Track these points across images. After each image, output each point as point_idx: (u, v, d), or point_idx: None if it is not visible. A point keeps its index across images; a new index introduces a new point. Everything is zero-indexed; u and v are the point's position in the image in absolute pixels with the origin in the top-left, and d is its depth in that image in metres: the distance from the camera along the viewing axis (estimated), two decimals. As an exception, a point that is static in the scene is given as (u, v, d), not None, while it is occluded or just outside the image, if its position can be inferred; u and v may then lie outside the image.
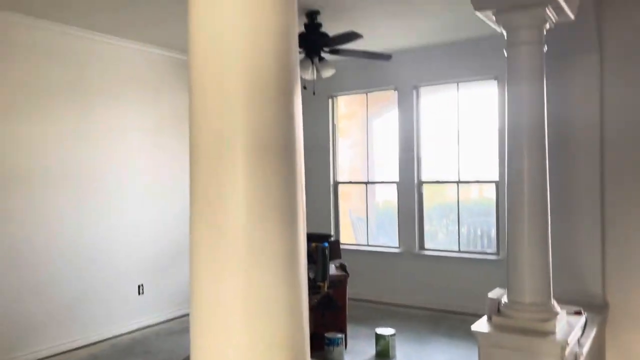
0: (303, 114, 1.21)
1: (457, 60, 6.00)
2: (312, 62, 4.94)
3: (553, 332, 2.53)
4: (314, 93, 5.33)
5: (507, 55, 2.96)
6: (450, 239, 6.62)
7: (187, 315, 6.09)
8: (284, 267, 1.05)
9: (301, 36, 4.72)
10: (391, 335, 4.73)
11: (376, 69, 6.35)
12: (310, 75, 4.97)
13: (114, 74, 5.50)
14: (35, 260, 4.80)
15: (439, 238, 6.99)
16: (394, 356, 4.74)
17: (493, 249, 6.12)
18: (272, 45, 1.08)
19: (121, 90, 5.58)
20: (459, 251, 6.28)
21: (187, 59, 1.17)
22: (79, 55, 5.16)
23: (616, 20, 3.69)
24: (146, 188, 5.86)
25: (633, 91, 3.65)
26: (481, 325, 2.72)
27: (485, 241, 6.54)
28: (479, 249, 6.51)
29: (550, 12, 2.86)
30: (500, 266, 5.31)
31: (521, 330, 2.58)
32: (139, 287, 5.75)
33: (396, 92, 6.52)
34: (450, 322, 5.71)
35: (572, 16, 3.04)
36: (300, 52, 4.64)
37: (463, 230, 6.51)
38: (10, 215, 4.63)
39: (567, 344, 2.48)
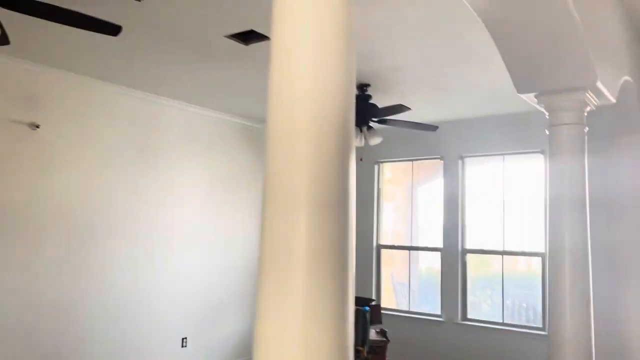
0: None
1: (503, 132, 6.15)
2: (361, 130, 5.21)
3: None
4: (361, 159, 5.57)
5: (549, 134, 3.10)
6: (494, 310, 6.51)
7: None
8: (334, 326, 1.21)
9: (352, 107, 5.02)
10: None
11: (422, 138, 6.57)
12: (358, 142, 5.23)
13: (174, 134, 5.94)
14: (86, 307, 5.08)
15: (483, 309, 6.88)
16: None
17: (539, 324, 5.98)
18: (334, 118, 1.31)
19: (179, 150, 6.01)
20: (503, 323, 6.17)
21: (265, 127, 1.42)
22: (146, 117, 5.64)
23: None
24: (195, 242, 6.16)
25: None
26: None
27: (531, 315, 6.39)
28: (524, 322, 6.37)
29: (590, 96, 3.02)
30: (546, 341, 5.19)
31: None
32: (182, 340, 5.92)
33: (442, 161, 6.69)
34: (492, 397, 5.55)
35: (612, 100, 3.18)
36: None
37: (508, 302, 6.41)
38: (71, 263, 4.96)
39: None
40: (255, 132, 6.94)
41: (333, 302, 1.21)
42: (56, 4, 2.91)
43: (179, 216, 5.96)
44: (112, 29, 3.03)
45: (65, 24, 2.92)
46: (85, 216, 5.06)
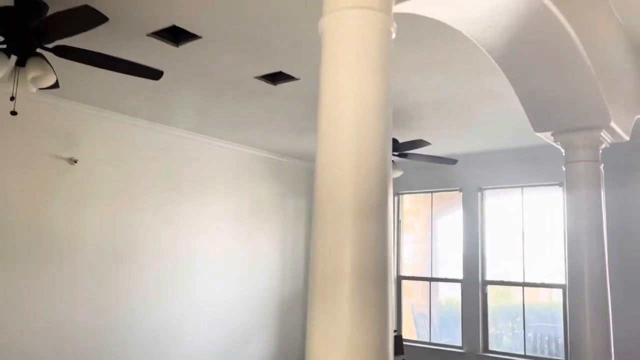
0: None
1: (521, 165, 6.27)
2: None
3: None
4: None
5: (566, 170, 3.24)
6: (515, 342, 6.52)
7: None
8: (379, 333, 1.38)
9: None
10: None
11: (442, 170, 6.72)
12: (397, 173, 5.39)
13: (202, 167, 6.18)
14: (118, 334, 5.24)
15: (504, 341, 6.87)
16: None
17: (561, 356, 5.97)
18: (374, 163, 1.49)
19: (206, 181, 6.24)
20: (525, 355, 6.17)
21: (315, 165, 1.60)
22: (173, 150, 5.88)
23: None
24: (218, 272, 6.32)
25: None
26: None
27: (553, 347, 6.38)
28: (546, 355, 6.35)
29: (605, 135, 3.16)
30: (568, 375, 5.19)
31: None
32: (207, 368, 6.02)
33: (461, 193, 6.81)
34: None
35: (626, 137, 3.32)
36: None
37: (529, 334, 6.41)
38: (104, 291, 5.15)
39: None
40: (278, 165, 7.17)
41: (377, 310, 1.38)
42: (101, 51, 3.18)
43: (206, 246, 6.15)
44: (155, 74, 3.28)
45: (113, 70, 3.19)
46: (116, 246, 5.27)
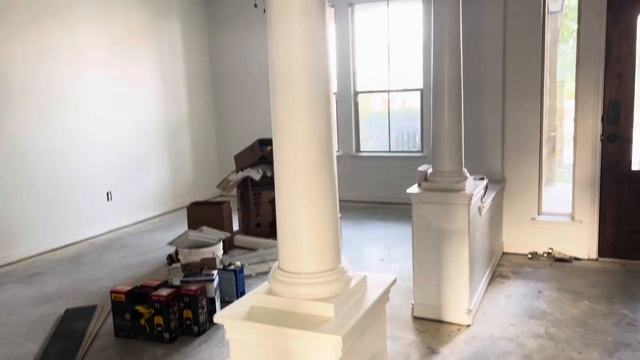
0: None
1: (387, -21, 6.67)
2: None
3: (463, 189, 3.50)
4: (255, 5, 5.76)
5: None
6: (382, 142, 7.60)
7: (156, 217, 6.79)
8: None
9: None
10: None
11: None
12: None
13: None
14: (8, 169, 5.23)
15: (372, 143, 7.95)
16: (340, 235, 5.74)
17: (418, 148, 7.18)
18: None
19: (74, 8, 5.82)
20: (390, 151, 7.30)
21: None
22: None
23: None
24: (106, 101, 6.28)
25: (528, 10, 4.57)
26: (413, 189, 3.66)
27: (412, 143, 7.57)
28: (406, 148, 7.55)
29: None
30: (425, 161, 6.37)
31: (441, 190, 3.52)
32: (107, 194, 6.31)
33: (333, 8, 7.13)
34: (384, 210, 6.81)
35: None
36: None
37: (393, 135, 7.49)
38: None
39: (473, 195, 3.47)
40: (145, -15, 6.77)
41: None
42: None
43: (86, 75, 5.97)
44: None
45: None
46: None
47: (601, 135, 4.50)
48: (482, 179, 4.03)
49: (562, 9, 7.55)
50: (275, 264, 1.85)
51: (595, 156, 4.55)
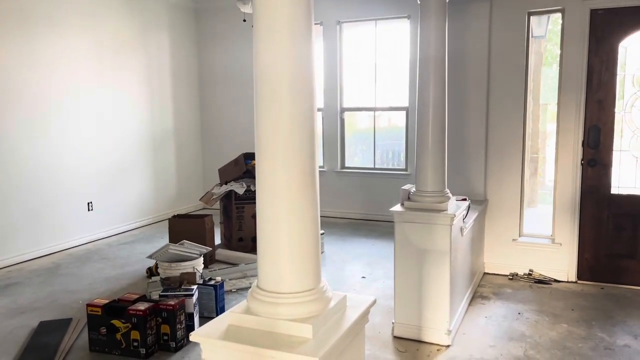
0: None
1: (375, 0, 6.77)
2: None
3: (446, 210, 3.53)
4: (244, 20, 5.81)
5: (420, 3, 3.75)
6: (366, 159, 7.63)
7: (137, 228, 6.71)
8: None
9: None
10: (321, 234, 5.70)
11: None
12: (249, 9, 5.51)
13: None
14: (-6, 177, 5.14)
15: (357, 160, 7.98)
16: (323, 251, 5.74)
17: (402, 166, 7.22)
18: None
19: (61, 16, 5.79)
20: (374, 168, 7.33)
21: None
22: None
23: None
24: (92, 111, 6.23)
25: (512, 34, 4.66)
26: (396, 207, 3.67)
27: (396, 161, 7.61)
28: (390, 166, 7.59)
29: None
30: (409, 179, 6.41)
31: (424, 209, 3.54)
32: (88, 204, 6.23)
33: (321, 26, 7.19)
34: (367, 227, 6.81)
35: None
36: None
37: (378, 152, 7.52)
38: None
39: (455, 216, 3.49)
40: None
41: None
42: None
43: (70, 85, 5.92)
44: None
45: None
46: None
47: (581, 160, 4.58)
48: (465, 199, 4.06)
49: (545, 34, 7.70)
50: (255, 281, 1.83)
51: (575, 180, 4.62)
